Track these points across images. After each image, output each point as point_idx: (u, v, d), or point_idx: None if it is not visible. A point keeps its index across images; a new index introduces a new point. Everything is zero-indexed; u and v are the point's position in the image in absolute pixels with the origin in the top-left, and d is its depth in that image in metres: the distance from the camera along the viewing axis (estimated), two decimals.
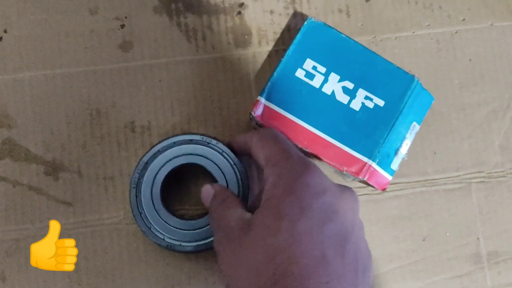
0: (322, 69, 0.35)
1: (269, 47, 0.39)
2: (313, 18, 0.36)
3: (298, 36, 0.36)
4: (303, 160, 0.30)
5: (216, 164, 0.34)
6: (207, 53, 0.39)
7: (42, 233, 0.36)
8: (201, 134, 0.35)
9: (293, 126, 0.35)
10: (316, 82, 0.35)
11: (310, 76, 0.35)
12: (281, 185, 0.28)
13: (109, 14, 0.38)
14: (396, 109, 0.35)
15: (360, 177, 0.34)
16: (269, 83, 0.35)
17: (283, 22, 0.39)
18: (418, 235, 0.38)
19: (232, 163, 0.34)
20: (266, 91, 0.35)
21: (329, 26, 0.36)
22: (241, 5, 0.39)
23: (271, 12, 0.39)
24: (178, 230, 0.34)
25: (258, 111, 0.35)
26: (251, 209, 0.30)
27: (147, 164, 0.34)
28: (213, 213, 0.31)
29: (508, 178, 0.39)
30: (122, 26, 0.38)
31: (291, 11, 0.39)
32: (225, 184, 0.34)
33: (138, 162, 0.34)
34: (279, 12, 0.39)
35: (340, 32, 0.36)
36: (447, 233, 0.38)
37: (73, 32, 0.38)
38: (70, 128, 0.37)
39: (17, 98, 0.37)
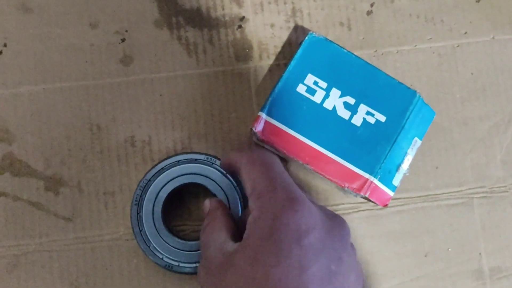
0: (324, 84, 0.35)
1: (270, 61, 0.39)
2: (314, 33, 0.36)
3: (299, 51, 0.35)
4: (288, 194, 0.28)
5: (218, 185, 0.34)
6: (208, 67, 0.38)
7: (41, 248, 0.36)
8: (205, 154, 0.35)
9: (294, 142, 0.35)
10: (317, 98, 0.35)
11: (311, 91, 0.35)
12: (261, 224, 0.27)
13: (110, 28, 0.38)
14: (398, 124, 0.35)
15: (361, 193, 0.34)
16: (270, 99, 0.35)
17: (284, 35, 0.39)
18: (420, 251, 0.38)
19: (234, 185, 0.34)
20: (267, 106, 0.35)
21: (330, 41, 0.36)
22: (242, 18, 0.39)
23: (272, 25, 0.39)
24: (178, 250, 0.34)
25: (259, 127, 0.35)
26: (241, 226, 0.29)
27: (150, 181, 0.34)
28: (202, 234, 0.31)
29: (510, 193, 0.39)
30: (123, 40, 0.38)
31: (292, 25, 0.39)
32: (227, 203, 0.34)
33: (141, 179, 0.34)
34: (280, 26, 0.39)
35: (342, 47, 0.35)
36: (449, 249, 0.38)
37: (73, 46, 0.38)
38: (70, 143, 0.37)
39: (17, 112, 0.37)
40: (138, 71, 0.38)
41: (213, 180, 0.34)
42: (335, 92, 0.35)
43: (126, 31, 0.38)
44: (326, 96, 0.35)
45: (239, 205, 0.34)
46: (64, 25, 0.38)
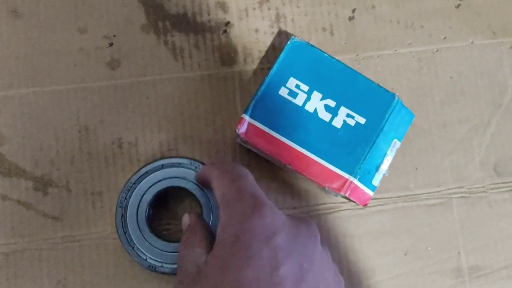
0: (305, 88, 0.36)
1: (254, 65, 0.40)
2: (296, 37, 0.37)
3: (282, 55, 0.37)
4: (254, 200, 0.29)
5: (202, 189, 0.35)
6: (194, 71, 0.39)
7: (30, 247, 0.37)
8: (189, 159, 0.36)
9: (276, 143, 0.36)
10: (299, 100, 0.36)
11: (293, 94, 0.36)
12: (229, 231, 0.28)
13: (98, 32, 0.39)
14: (377, 126, 0.36)
15: (342, 193, 0.35)
16: (253, 101, 0.36)
17: (268, 40, 0.40)
18: (400, 250, 0.39)
19: None
20: (250, 109, 0.36)
21: (312, 46, 0.37)
22: (227, 24, 0.40)
23: (256, 31, 0.40)
24: (161, 251, 0.34)
25: (242, 129, 0.36)
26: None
27: (134, 184, 0.35)
28: (180, 248, 0.31)
29: (488, 193, 0.40)
30: (111, 44, 0.39)
31: (276, 30, 0.40)
32: (209, 209, 0.35)
33: (126, 182, 0.35)
34: (264, 31, 0.40)
35: (323, 52, 0.37)
36: (429, 248, 0.39)
37: (62, 50, 0.39)
38: (59, 144, 0.38)
39: (7, 115, 0.38)
40: (125, 75, 0.39)
41: (196, 184, 0.35)
42: (316, 95, 0.36)
43: (114, 35, 0.39)
44: (308, 99, 0.36)
45: None
46: (54, 30, 0.39)
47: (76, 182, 0.38)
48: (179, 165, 0.35)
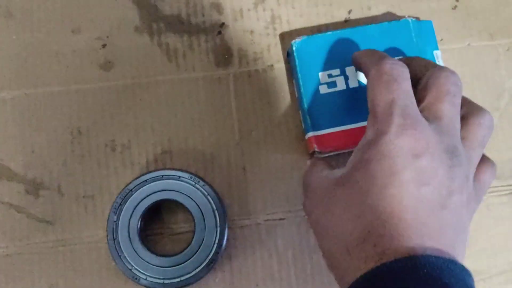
0: (337, 71, 0.36)
1: (249, 66, 0.39)
2: (295, 40, 0.36)
3: (296, 62, 0.36)
4: (404, 118, 0.27)
5: (198, 207, 0.35)
6: (188, 72, 0.39)
7: (21, 251, 0.36)
8: (190, 173, 0.35)
9: (351, 134, 0.35)
10: (341, 85, 0.36)
11: (332, 85, 0.36)
12: (374, 146, 0.27)
13: (91, 34, 0.39)
14: (414, 53, 0.36)
15: None
16: (307, 117, 0.36)
17: (263, 42, 0.40)
18: None
19: (214, 208, 0.35)
20: (309, 125, 0.36)
21: (313, 35, 0.37)
22: (222, 25, 0.40)
23: (251, 32, 0.40)
24: (147, 263, 0.34)
25: (317, 146, 0.35)
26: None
27: (131, 191, 0.35)
28: (305, 177, 0.32)
29: (486, 196, 0.39)
30: (104, 45, 0.39)
31: (271, 31, 0.40)
32: (203, 227, 0.35)
33: (123, 189, 0.35)
34: (259, 32, 0.40)
35: (325, 32, 0.37)
36: None
37: (55, 51, 0.39)
38: (51, 147, 0.38)
39: None
40: (118, 76, 0.39)
41: (193, 200, 0.35)
42: (350, 70, 0.36)
43: (107, 37, 0.39)
44: (346, 78, 0.36)
45: (216, 231, 0.35)
46: (47, 31, 0.39)
47: (68, 185, 0.37)
48: (178, 178, 0.35)
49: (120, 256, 0.34)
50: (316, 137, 0.35)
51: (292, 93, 0.39)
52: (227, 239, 0.35)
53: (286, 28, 0.40)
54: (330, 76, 0.36)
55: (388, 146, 0.27)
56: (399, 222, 0.26)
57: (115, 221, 0.34)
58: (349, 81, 0.36)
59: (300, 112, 0.38)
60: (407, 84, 0.29)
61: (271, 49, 0.40)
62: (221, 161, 0.38)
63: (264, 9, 0.40)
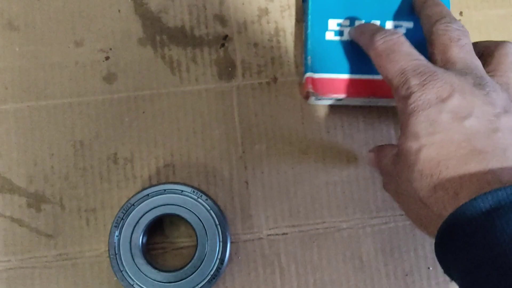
0: (346, 22, 0.37)
1: (253, 79, 0.39)
2: None
3: (310, 5, 0.37)
4: (421, 76, 0.29)
5: (200, 221, 0.35)
6: (191, 85, 0.39)
7: (23, 265, 0.36)
8: (192, 187, 0.35)
9: (349, 83, 0.36)
10: (347, 36, 0.37)
11: (339, 33, 0.37)
12: (407, 113, 0.29)
13: (94, 46, 0.39)
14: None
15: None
16: (308, 58, 0.36)
17: (267, 54, 0.39)
18: (401, 270, 0.38)
19: (216, 223, 0.35)
20: (309, 65, 0.36)
21: None
22: (225, 37, 0.39)
23: (255, 44, 0.39)
24: (149, 279, 0.34)
25: (313, 87, 0.36)
26: None
27: (133, 206, 0.34)
28: (379, 164, 0.34)
29: None
30: (107, 58, 0.39)
31: (275, 44, 0.39)
32: (205, 240, 0.35)
33: (125, 203, 0.35)
34: (263, 45, 0.39)
35: None
36: (430, 268, 0.38)
37: (58, 64, 0.38)
38: (53, 159, 0.38)
39: (1, 129, 0.38)
40: (122, 89, 0.38)
41: (195, 214, 0.35)
42: (359, 23, 0.36)
43: (111, 49, 0.39)
44: None
45: (217, 244, 0.35)
46: (50, 43, 0.39)
47: (70, 199, 0.37)
48: (181, 192, 0.35)
49: (121, 271, 0.34)
50: (313, 79, 0.36)
51: (295, 105, 0.39)
52: (230, 254, 0.35)
53: (290, 40, 0.39)
54: (339, 24, 0.37)
55: (417, 105, 0.29)
56: (459, 159, 0.27)
57: (117, 236, 0.34)
58: None
59: (303, 54, 0.38)
60: (406, 46, 0.31)
61: (275, 61, 0.39)
62: (224, 175, 0.38)
63: (268, 21, 0.40)
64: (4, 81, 0.38)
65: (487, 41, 0.34)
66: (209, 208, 0.35)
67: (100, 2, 0.39)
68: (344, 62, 0.36)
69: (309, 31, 0.37)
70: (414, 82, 0.29)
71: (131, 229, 0.34)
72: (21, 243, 0.37)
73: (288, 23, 0.40)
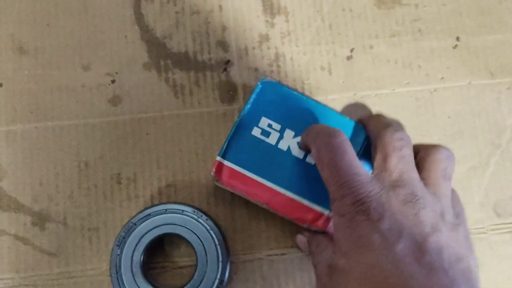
0: (277, 126, 0.36)
1: None
2: (265, 77, 0.37)
3: (253, 95, 0.36)
4: (354, 197, 0.29)
5: (201, 241, 0.35)
6: (194, 108, 0.40)
7: (25, 283, 0.37)
8: (193, 207, 0.36)
9: (253, 184, 0.35)
10: (272, 139, 0.36)
11: (266, 133, 0.36)
12: (341, 231, 0.30)
13: (101, 70, 0.40)
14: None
15: (319, 227, 0.35)
16: (226, 143, 0.36)
17: None
18: None
19: (216, 243, 0.35)
20: (223, 151, 0.36)
21: (282, 84, 0.37)
22: (227, 62, 0.41)
23: (256, 69, 0.41)
24: None
25: (217, 172, 0.35)
26: None
27: (135, 225, 0.35)
28: (312, 258, 0.34)
29: (488, 234, 0.39)
30: (113, 81, 0.40)
31: (275, 69, 0.41)
32: (205, 261, 0.35)
33: (127, 222, 0.35)
34: (264, 70, 0.41)
35: (293, 89, 0.37)
36: None
37: (65, 86, 0.40)
38: (58, 179, 0.38)
39: (9, 149, 0.39)
40: (126, 111, 0.40)
41: (196, 234, 0.35)
42: (288, 133, 0.36)
43: (117, 73, 0.40)
44: (281, 137, 0.36)
45: (218, 265, 0.35)
46: (58, 67, 0.40)
47: (74, 218, 0.38)
48: (182, 212, 0.36)
49: None
50: (221, 164, 0.35)
51: None
52: (229, 274, 0.36)
53: (289, 65, 0.41)
54: (269, 125, 0.36)
55: (351, 224, 0.29)
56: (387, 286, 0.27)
57: (118, 255, 0.35)
58: (281, 141, 0.36)
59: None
60: (347, 154, 0.31)
61: None
62: (224, 195, 0.39)
63: (269, 47, 0.41)
64: (13, 102, 0.40)
65: (422, 144, 0.34)
66: (209, 228, 0.36)
67: (108, 28, 0.41)
68: (257, 162, 0.35)
69: (239, 119, 0.36)
70: (349, 201, 0.29)
71: (133, 248, 0.35)
72: (24, 261, 0.37)
73: (288, 49, 0.41)
